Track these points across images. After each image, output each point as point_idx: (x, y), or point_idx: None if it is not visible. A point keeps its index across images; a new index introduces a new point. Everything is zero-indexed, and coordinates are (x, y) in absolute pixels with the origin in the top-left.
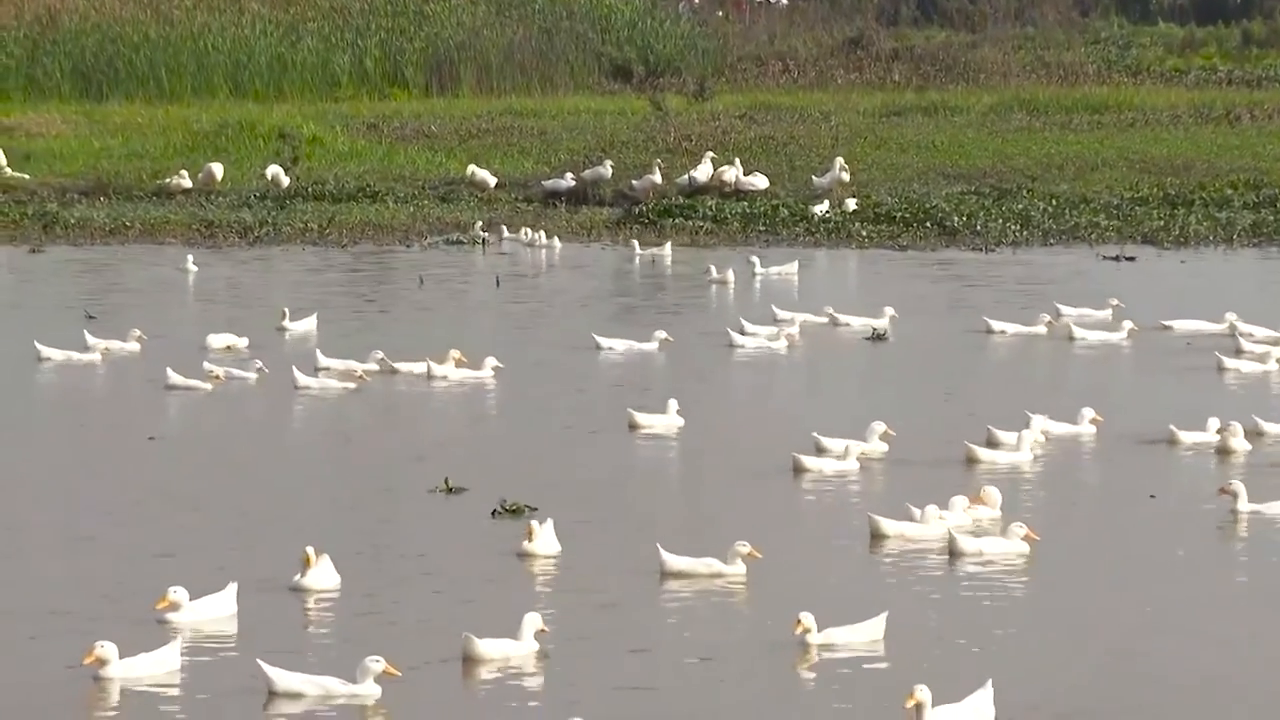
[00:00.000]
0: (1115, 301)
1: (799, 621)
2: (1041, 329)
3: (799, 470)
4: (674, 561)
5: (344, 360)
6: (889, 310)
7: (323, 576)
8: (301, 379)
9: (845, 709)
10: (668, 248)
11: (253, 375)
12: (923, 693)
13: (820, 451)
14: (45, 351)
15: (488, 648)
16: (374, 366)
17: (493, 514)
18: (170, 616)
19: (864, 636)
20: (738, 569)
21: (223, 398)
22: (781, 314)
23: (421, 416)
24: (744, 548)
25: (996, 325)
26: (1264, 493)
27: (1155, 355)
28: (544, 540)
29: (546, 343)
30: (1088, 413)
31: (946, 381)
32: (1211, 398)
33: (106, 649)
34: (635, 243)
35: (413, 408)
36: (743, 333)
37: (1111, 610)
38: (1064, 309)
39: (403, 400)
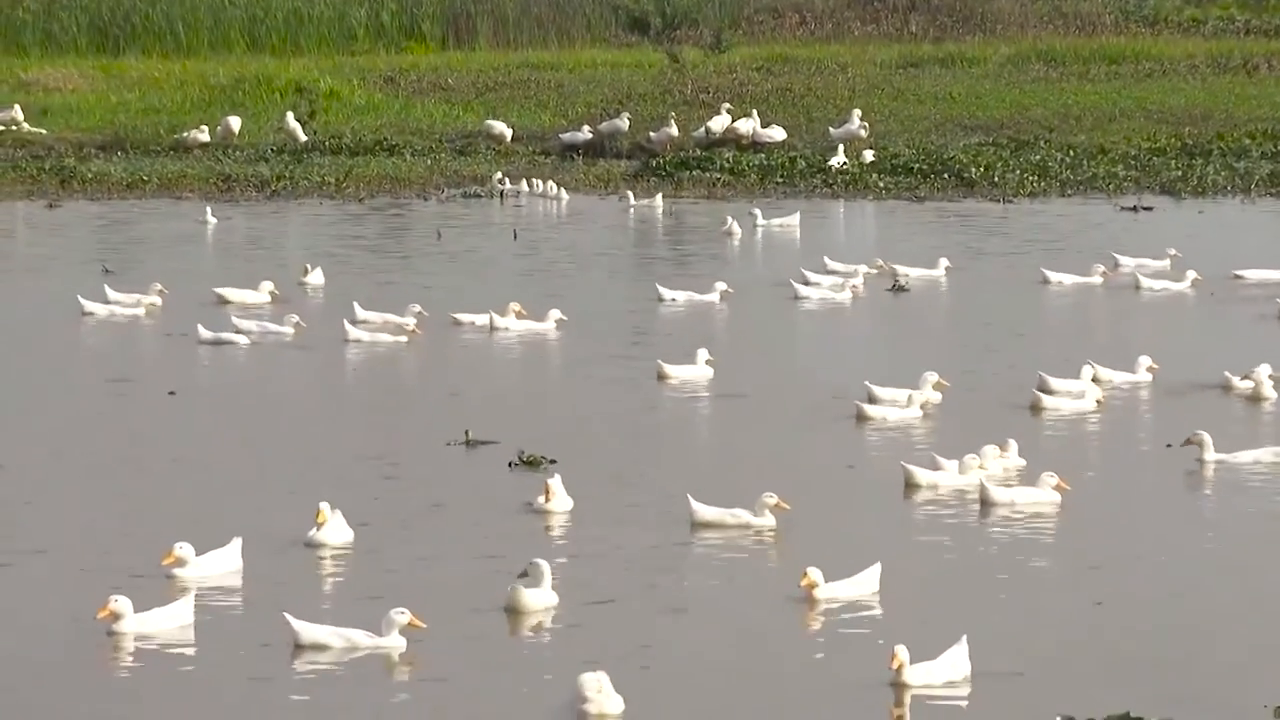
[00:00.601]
0: (1173, 251)
1: (805, 574)
2: (1097, 279)
3: (861, 418)
4: (703, 512)
5: (382, 313)
6: (944, 261)
7: (335, 532)
8: (353, 331)
9: (841, 660)
10: (658, 199)
11: (289, 330)
12: (902, 653)
13: (872, 400)
14: (88, 306)
15: (533, 599)
16: (410, 320)
17: (510, 465)
18: (176, 572)
19: (862, 589)
20: (766, 520)
21: (259, 352)
22: (832, 265)
23: (474, 368)
24: (771, 499)
25: (1054, 276)
26: None
27: (1221, 305)
28: (559, 499)
29: (609, 295)
30: (1144, 360)
31: (1009, 331)
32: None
33: (121, 603)
34: (629, 194)
35: (467, 360)
36: (805, 283)
37: (1122, 561)
38: (1122, 259)
39: (458, 353)
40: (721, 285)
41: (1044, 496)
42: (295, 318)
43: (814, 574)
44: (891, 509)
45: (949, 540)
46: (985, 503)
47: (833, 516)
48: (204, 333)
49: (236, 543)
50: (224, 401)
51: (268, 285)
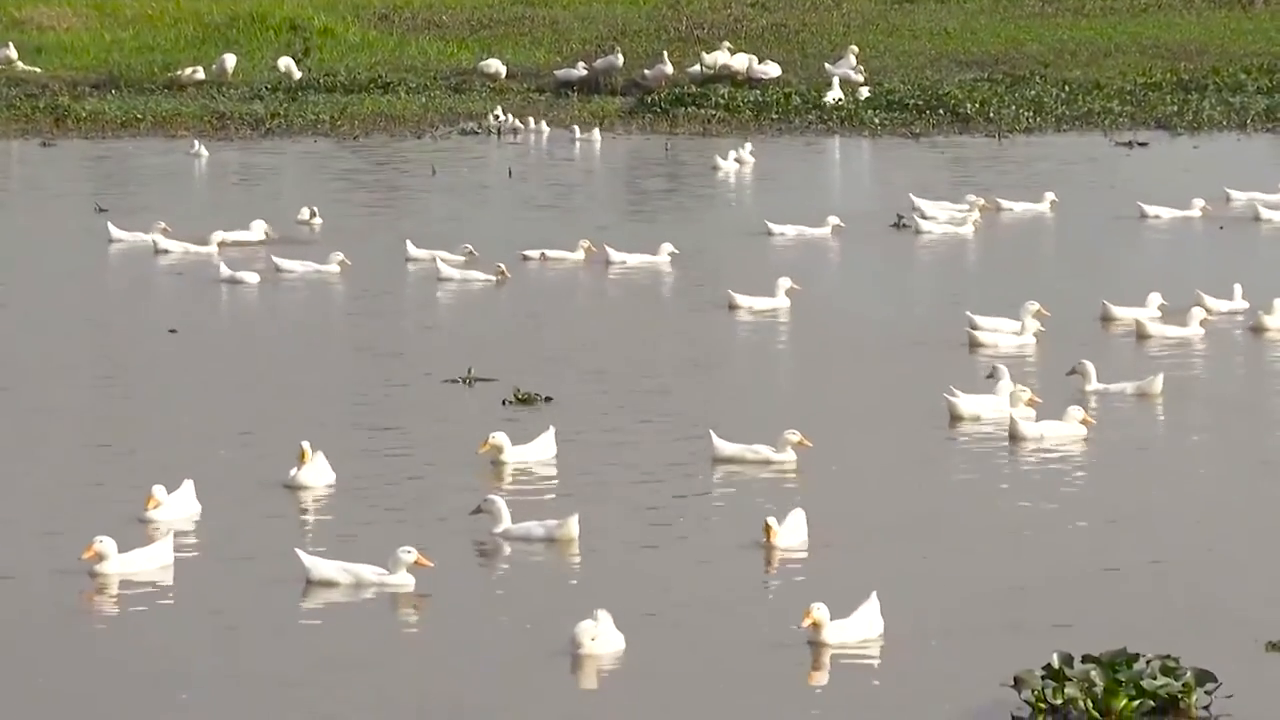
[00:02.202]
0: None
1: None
2: (1196, 212)
3: (974, 345)
4: (724, 448)
5: (432, 250)
6: (1049, 195)
7: (317, 473)
8: (445, 269)
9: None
10: (595, 133)
11: (335, 267)
12: (819, 611)
13: (974, 329)
14: (116, 233)
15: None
16: (460, 258)
17: (503, 403)
18: (151, 514)
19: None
20: (787, 456)
21: (289, 290)
22: (921, 202)
23: (563, 304)
24: (794, 436)
25: (1150, 210)
26: None
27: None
28: (516, 450)
29: (715, 229)
30: (1239, 289)
31: (1116, 263)
32: None
33: (105, 544)
34: (576, 128)
35: (547, 298)
36: (924, 216)
37: (1118, 503)
38: (1233, 192)
39: (543, 290)
40: (834, 219)
41: (1071, 431)
42: (340, 255)
43: (771, 522)
44: (921, 444)
45: (961, 476)
46: (1015, 437)
47: (860, 451)
48: (224, 270)
49: (188, 485)
50: (236, 340)
51: (261, 225)
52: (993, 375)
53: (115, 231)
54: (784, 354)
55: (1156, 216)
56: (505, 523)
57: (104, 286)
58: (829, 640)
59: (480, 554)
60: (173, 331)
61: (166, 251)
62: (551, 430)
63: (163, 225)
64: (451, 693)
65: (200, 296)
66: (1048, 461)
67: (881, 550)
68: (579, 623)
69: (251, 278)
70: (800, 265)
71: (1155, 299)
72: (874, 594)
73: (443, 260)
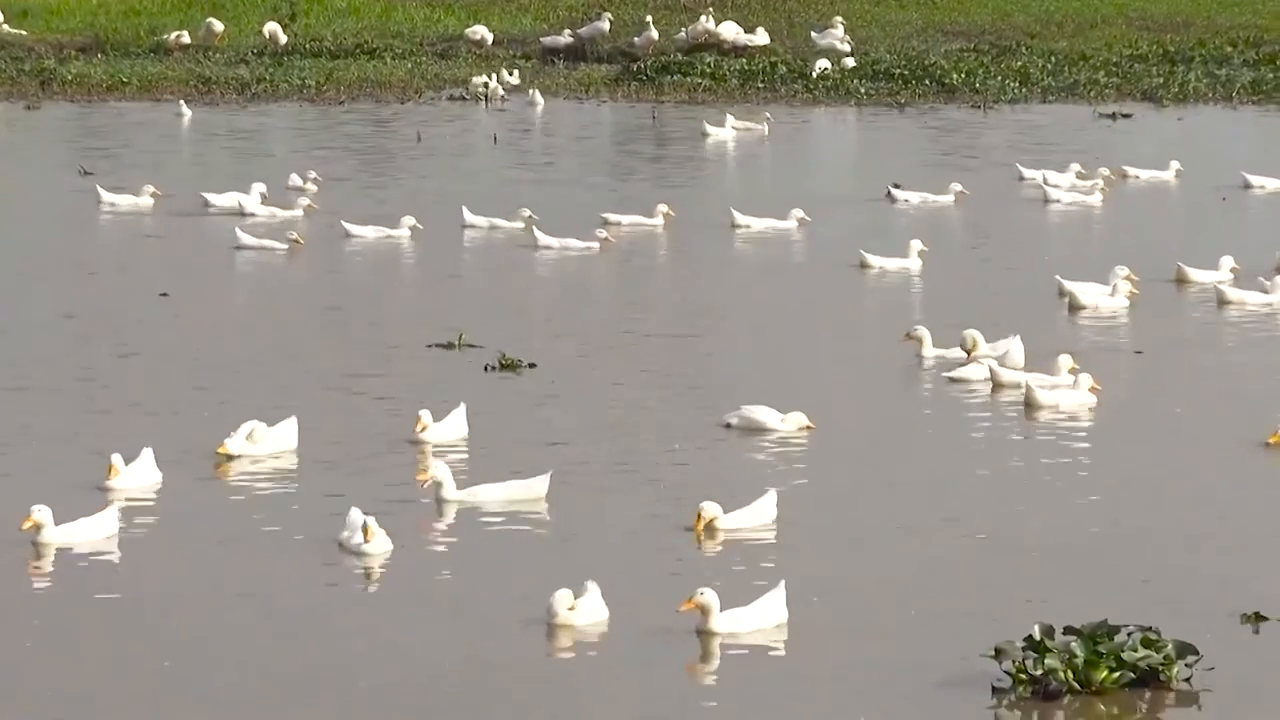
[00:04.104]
0: None
1: (699, 515)
2: None
3: (1074, 307)
4: (748, 414)
5: (489, 218)
6: (1175, 164)
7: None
8: (543, 238)
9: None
10: (536, 94)
11: (405, 231)
12: (706, 596)
13: (1061, 295)
14: (106, 197)
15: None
16: (519, 224)
17: (485, 369)
18: (110, 483)
19: (756, 519)
20: (789, 428)
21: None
22: (1027, 172)
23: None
24: (802, 418)
25: (1255, 180)
26: None
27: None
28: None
29: (835, 198)
30: None
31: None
32: None
33: (43, 513)
34: (535, 91)
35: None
36: (1047, 183)
37: (1104, 473)
38: None
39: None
40: (957, 186)
41: (1083, 399)
42: (412, 219)
43: (709, 508)
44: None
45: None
46: (1030, 405)
47: (882, 415)
48: (243, 238)
49: (148, 452)
50: (231, 305)
51: (259, 188)
52: (963, 345)
53: (105, 195)
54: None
55: (1261, 187)
56: (452, 488)
57: (94, 250)
58: (717, 629)
59: (455, 522)
60: (164, 295)
61: (252, 215)
62: (463, 407)
63: (152, 188)
64: (416, 656)
65: (227, 262)
66: (1051, 429)
67: (862, 518)
68: (555, 591)
69: (278, 245)
70: (924, 231)
71: (1228, 262)
72: (782, 583)
73: (539, 230)
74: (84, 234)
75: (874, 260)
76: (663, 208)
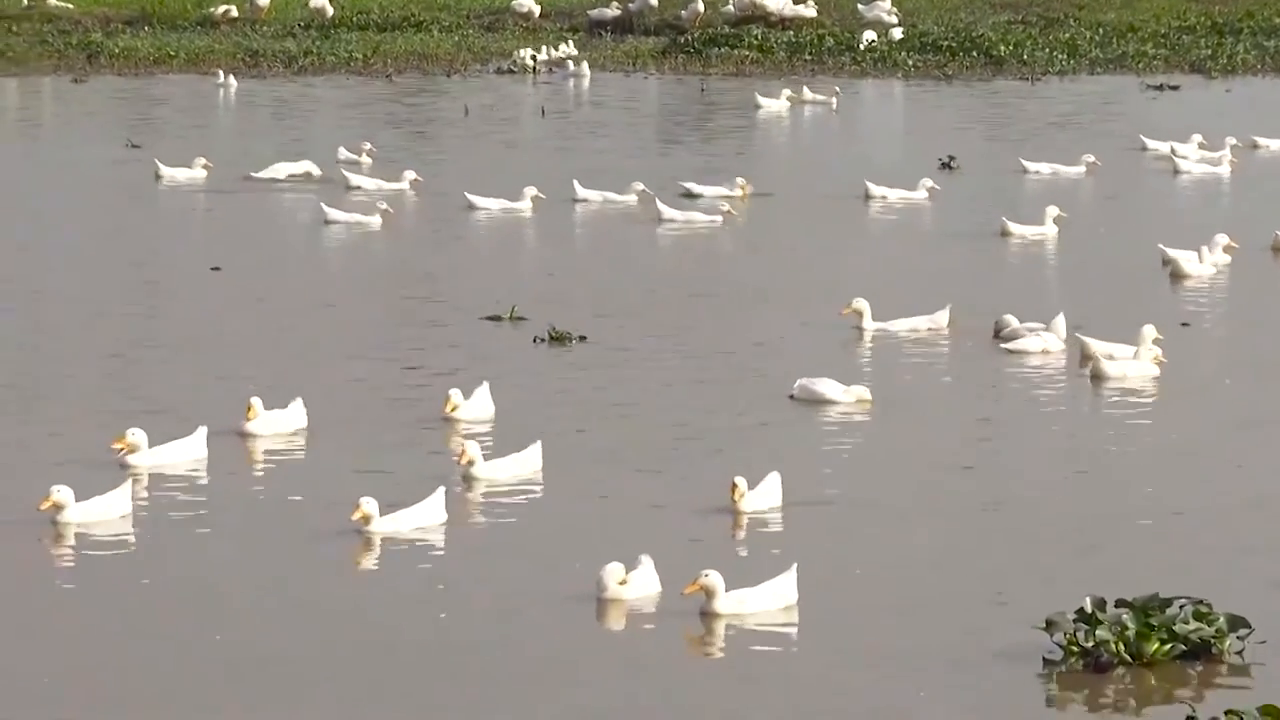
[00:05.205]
0: None
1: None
2: None
3: (1177, 275)
4: (809, 386)
5: (602, 191)
6: None
7: (268, 424)
8: (667, 211)
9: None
10: (584, 66)
11: (527, 203)
12: (710, 578)
13: (1165, 263)
14: (165, 171)
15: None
16: (633, 198)
17: (535, 341)
18: (130, 459)
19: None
20: (854, 396)
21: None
22: (1150, 143)
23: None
24: (863, 392)
25: None
26: None
27: None
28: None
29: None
30: None
31: None
32: None
33: (63, 493)
34: (584, 64)
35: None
36: (1176, 154)
37: (1160, 446)
38: None
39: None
40: (1089, 157)
41: (1147, 370)
42: (533, 189)
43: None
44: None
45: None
46: (1096, 376)
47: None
48: (331, 213)
49: (202, 431)
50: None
51: (307, 164)
52: (1000, 329)
53: (164, 169)
54: (1049, 275)
55: None
56: (480, 462)
57: (159, 224)
58: (720, 610)
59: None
60: (215, 269)
61: (358, 188)
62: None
63: (204, 160)
64: (468, 633)
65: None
66: (1113, 401)
67: (913, 492)
68: (607, 565)
69: (372, 220)
70: (1061, 200)
71: None
72: (794, 566)
73: (662, 204)
74: (144, 208)
75: (1015, 228)
76: (740, 180)
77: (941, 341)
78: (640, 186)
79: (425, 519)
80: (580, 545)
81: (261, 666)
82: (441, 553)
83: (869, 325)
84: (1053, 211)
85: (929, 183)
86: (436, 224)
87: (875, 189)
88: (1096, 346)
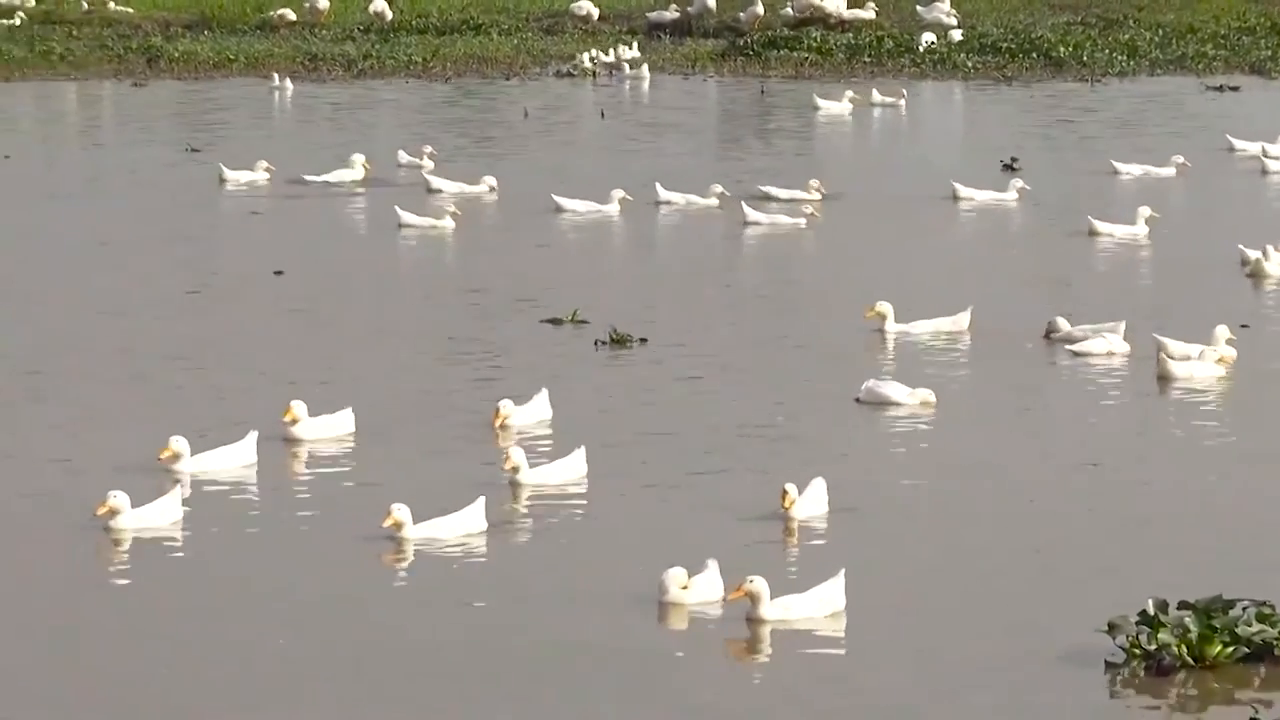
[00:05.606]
0: None
1: (784, 493)
2: None
3: (1257, 274)
4: (875, 389)
5: (684, 194)
6: None
7: (309, 429)
8: (752, 214)
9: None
10: (645, 69)
11: (615, 206)
12: (755, 583)
13: (1243, 264)
14: (230, 175)
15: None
16: (714, 201)
17: (596, 344)
18: (176, 467)
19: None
20: (919, 398)
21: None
22: (1238, 143)
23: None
24: (928, 395)
25: None
26: None
27: None
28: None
29: (1064, 169)
30: None
31: None
32: None
33: (119, 499)
34: (644, 67)
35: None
36: (1266, 155)
37: (1225, 447)
38: None
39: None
40: (1179, 158)
41: (1214, 371)
42: (621, 191)
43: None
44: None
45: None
46: (1163, 377)
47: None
48: (405, 216)
49: (252, 436)
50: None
51: (359, 159)
52: (1052, 331)
53: (229, 173)
54: (1141, 271)
55: None
56: (525, 468)
57: (225, 227)
58: (767, 616)
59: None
60: (278, 274)
61: (439, 191)
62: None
63: (265, 164)
64: (540, 632)
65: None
66: (1179, 402)
67: (982, 489)
68: (669, 569)
69: (445, 223)
70: (1151, 201)
71: None
72: (841, 571)
73: (747, 206)
74: (208, 212)
75: (1102, 226)
76: (814, 183)
77: (1002, 343)
78: (719, 189)
79: (464, 526)
80: (639, 547)
81: (301, 670)
82: (482, 559)
83: (891, 328)
84: (1144, 212)
85: (1019, 183)
86: (519, 227)
87: (963, 190)
88: (1173, 347)
